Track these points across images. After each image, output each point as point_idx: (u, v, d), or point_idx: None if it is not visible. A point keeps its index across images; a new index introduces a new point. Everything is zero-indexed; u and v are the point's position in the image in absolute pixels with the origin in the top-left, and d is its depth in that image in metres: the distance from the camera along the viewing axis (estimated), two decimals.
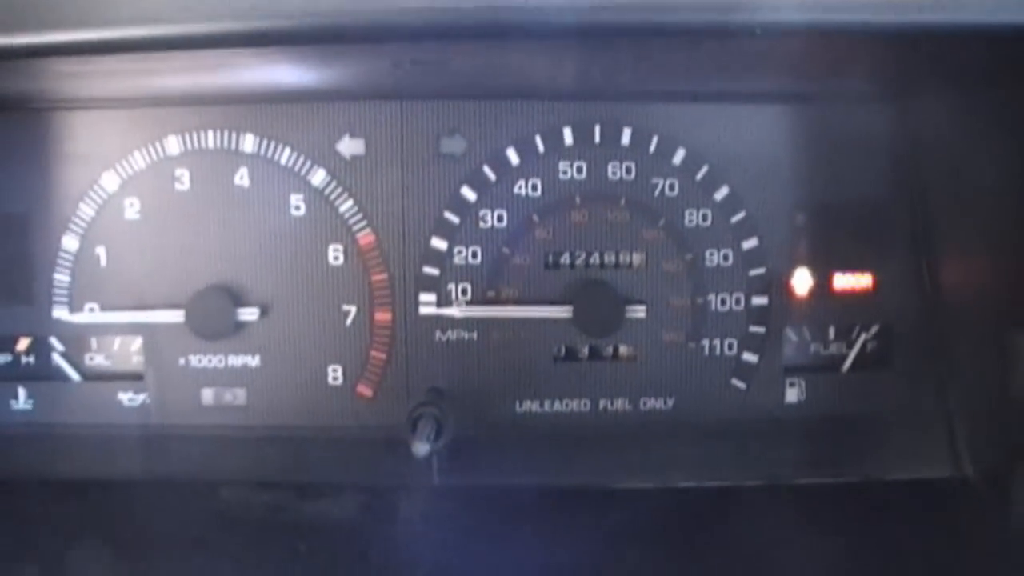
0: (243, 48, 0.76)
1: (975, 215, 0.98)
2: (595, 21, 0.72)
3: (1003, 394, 0.96)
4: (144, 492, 1.03)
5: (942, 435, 1.02)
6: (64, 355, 1.06)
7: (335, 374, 1.05)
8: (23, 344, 1.06)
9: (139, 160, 1.03)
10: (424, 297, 1.03)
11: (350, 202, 1.02)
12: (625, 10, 0.71)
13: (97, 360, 1.07)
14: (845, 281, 1.05)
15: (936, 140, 1.00)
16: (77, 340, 1.06)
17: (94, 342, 1.06)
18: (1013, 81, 0.88)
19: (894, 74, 0.98)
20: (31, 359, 1.06)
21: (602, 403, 1.05)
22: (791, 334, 1.06)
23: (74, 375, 1.06)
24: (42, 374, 1.06)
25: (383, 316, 1.03)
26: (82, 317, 1.04)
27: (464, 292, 1.03)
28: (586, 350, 1.05)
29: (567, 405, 1.05)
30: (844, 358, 1.06)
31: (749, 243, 1.03)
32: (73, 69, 0.85)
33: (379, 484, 1.01)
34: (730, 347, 1.05)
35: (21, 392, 1.07)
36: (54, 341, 1.06)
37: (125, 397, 1.06)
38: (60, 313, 1.04)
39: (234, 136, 1.02)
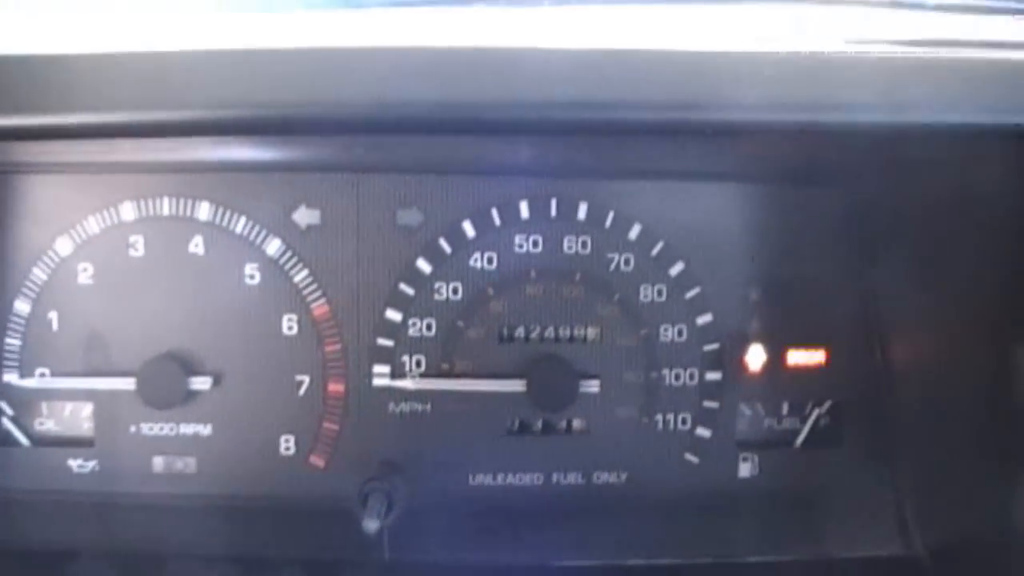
0: (200, 136, 0.77)
1: (924, 294, 0.99)
2: (551, 119, 0.73)
3: (951, 473, 0.97)
4: (92, 564, 1.02)
5: (893, 513, 1.02)
6: (14, 419, 1.05)
7: (287, 444, 1.04)
8: None
9: (93, 225, 1.02)
10: (378, 368, 1.03)
11: (305, 272, 1.02)
12: (584, 108, 0.72)
13: (47, 425, 1.06)
14: (799, 357, 1.05)
15: (882, 221, 1.01)
16: (27, 405, 1.05)
17: (44, 407, 1.05)
18: (948, 169, 0.90)
19: (838, 162, 0.99)
20: None
21: (555, 477, 1.05)
22: (745, 409, 1.06)
23: (23, 440, 1.05)
24: None
25: (336, 387, 1.03)
26: (32, 382, 1.03)
27: (418, 364, 1.03)
28: (540, 424, 1.05)
29: (520, 479, 1.05)
30: (797, 433, 1.07)
31: (703, 319, 1.04)
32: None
33: (329, 558, 1.00)
34: (684, 422, 1.05)
35: None
36: (3, 405, 1.05)
37: (75, 463, 1.05)
38: (10, 378, 1.03)
39: (189, 204, 1.01)
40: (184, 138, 0.95)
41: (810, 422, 1.06)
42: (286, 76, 0.72)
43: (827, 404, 1.07)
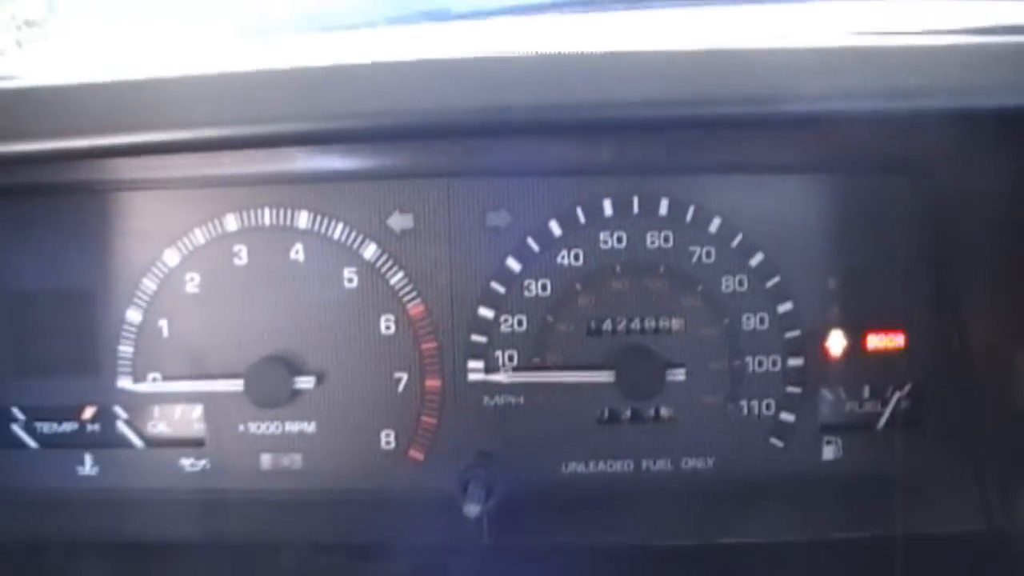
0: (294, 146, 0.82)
1: (999, 277, 1.02)
2: (637, 117, 0.77)
3: None
4: (205, 555, 1.08)
5: (973, 491, 1.05)
6: (128, 423, 1.11)
7: (387, 439, 1.09)
8: (88, 413, 1.12)
9: (199, 237, 1.08)
10: (472, 364, 1.08)
11: (400, 274, 1.07)
12: (665, 106, 0.77)
13: (159, 427, 1.12)
14: (878, 341, 1.08)
15: (954, 206, 1.03)
16: (140, 408, 1.11)
17: (156, 410, 1.11)
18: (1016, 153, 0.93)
19: (909, 150, 1.02)
20: (96, 427, 1.12)
21: (644, 463, 1.09)
22: (827, 393, 1.09)
23: (137, 442, 1.11)
24: (107, 441, 1.11)
25: (433, 383, 1.08)
26: (145, 387, 1.09)
27: (511, 359, 1.08)
28: (628, 413, 1.09)
29: (611, 466, 1.09)
30: (879, 416, 1.10)
31: (784, 307, 1.07)
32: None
33: (431, 545, 1.05)
34: (768, 407, 1.08)
35: (87, 458, 1.12)
36: (118, 410, 1.11)
37: (187, 463, 1.11)
38: (124, 383, 1.09)
39: (289, 213, 1.07)
40: (282, 150, 1.01)
41: (891, 405, 1.09)
42: (370, 88, 0.77)
43: (907, 387, 1.09)
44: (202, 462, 1.11)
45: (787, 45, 0.76)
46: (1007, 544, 1.03)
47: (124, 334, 1.09)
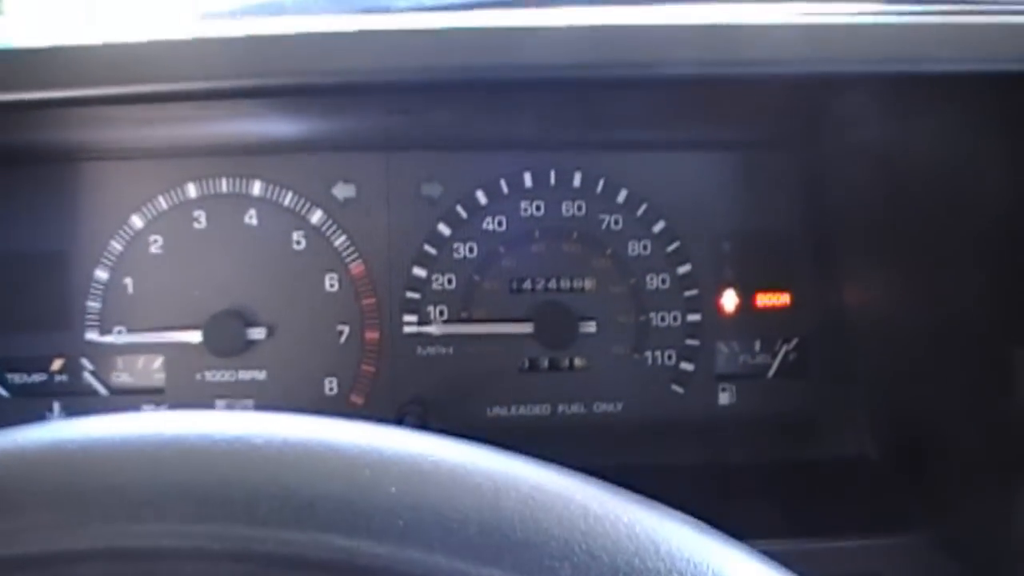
0: (239, 100, 0.90)
1: (874, 242, 1.17)
2: (546, 77, 0.88)
3: (900, 391, 1.14)
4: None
5: (852, 427, 1.19)
6: (94, 373, 1.22)
7: (331, 385, 1.21)
8: (57, 364, 1.22)
9: (162, 203, 1.20)
10: (407, 318, 1.21)
11: (343, 238, 1.20)
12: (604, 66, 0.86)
13: (123, 377, 1.23)
14: (766, 299, 1.23)
15: (833, 177, 1.19)
16: (105, 359, 1.22)
17: (120, 361, 1.22)
18: (891, 128, 1.08)
19: (797, 129, 1.17)
20: (64, 377, 1.22)
21: (560, 408, 1.22)
22: (722, 346, 1.23)
23: (103, 390, 1.22)
24: (74, 390, 1.22)
25: (372, 335, 1.21)
26: (111, 339, 1.20)
27: (441, 313, 1.21)
28: (546, 362, 1.22)
29: (530, 409, 1.22)
30: (769, 367, 1.24)
31: (683, 268, 1.21)
32: (104, 116, 1.00)
33: None
34: (669, 358, 1.22)
35: (56, 406, 1.22)
36: (85, 361, 1.22)
37: (148, 409, 1.22)
38: (91, 336, 1.21)
39: (244, 182, 1.19)
40: (237, 123, 1.12)
41: (780, 356, 1.24)
42: (307, 48, 0.81)
43: (794, 340, 1.24)
44: (162, 408, 1.22)
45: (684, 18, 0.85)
46: (877, 470, 1.17)
47: (92, 291, 1.20)
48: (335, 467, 0.41)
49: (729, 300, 1.22)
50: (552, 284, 1.21)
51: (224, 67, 0.84)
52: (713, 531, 0.42)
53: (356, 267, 1.20)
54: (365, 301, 1.21)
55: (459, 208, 1.20)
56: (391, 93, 0.91)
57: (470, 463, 0.44)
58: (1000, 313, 0.94)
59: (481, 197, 1.20)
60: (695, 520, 0.42)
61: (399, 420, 1.13)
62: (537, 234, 1.20)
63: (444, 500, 0.40)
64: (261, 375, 1.21)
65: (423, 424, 1.14)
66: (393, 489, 0.40)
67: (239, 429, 0.43)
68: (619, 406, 1.22)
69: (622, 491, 0.43)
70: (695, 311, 1.22)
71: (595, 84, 0.88)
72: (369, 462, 0.41)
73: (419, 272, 1.20)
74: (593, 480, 0.45)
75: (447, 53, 0.84)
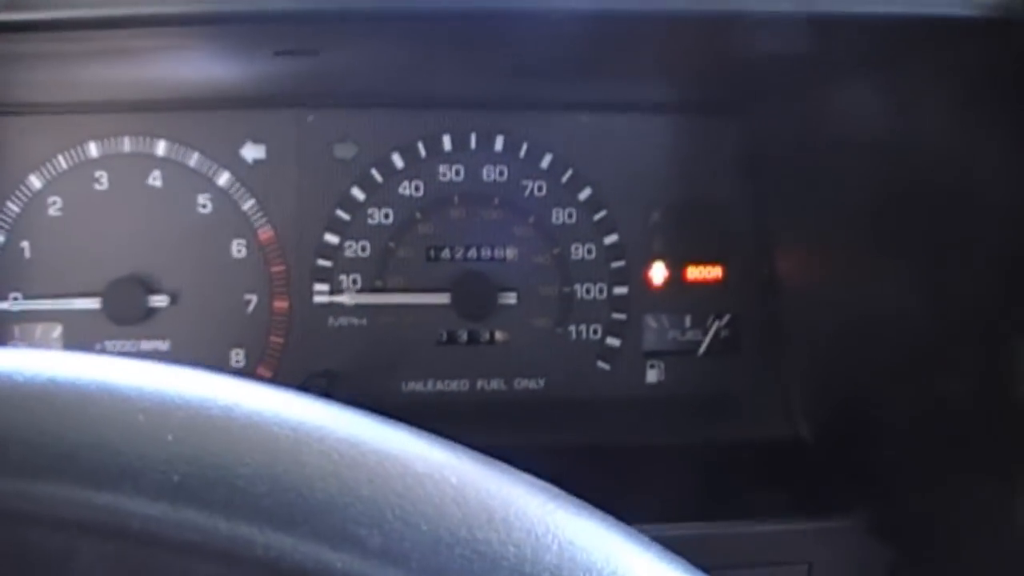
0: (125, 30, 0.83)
1: (809, 216, 1.11)
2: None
3: (831, 371, 1.08)
4: None
5: (782, 405, 1.14)
6: None
7: (237, 357, 1.15)
8: None
9: (62, 162, 1.13)
10: (318, 287, 1.14)
11: (252, 201, 1.14)
12: None
13: (20, 347, 1.16)
14: (697, 273, 1.17)
15: (770, 148, 1.13)
16: (1, 328, 1.16)
17: (16, 330, 1.16)
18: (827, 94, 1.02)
19: (733, 93, 1.11)
20: None
21: (479, 383, 1.16)
22: (650, 321, 1.18)
23: None
24: None
25: (281, 304, 1.14)
26: (6, 305, 1.14)
27: (354, 282, 1.15)
28: (465, 335, 1.16)
29: (448, 385, 1.16)
30: (699, 343, 1.18)
31: (610, 239, 1.15)
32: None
33: None
34: (594, 332, 1.16)
35: None
36: None
37: None
38: None
39: (148, 141, 1.13)
40: (141, 67, 1.05)
41: (711, 333, 1.18)
42: None
43: (726, 317, 1.18)
44: None
45: None
46: (806, 448, 1.12)
47: None
48: (105, 411, 0.35)
49: (658, 273, 1.16)
50: (471, 253, 1.15)
51: None
52: (571, 499, 0.36)
53: (264, 232, 1.14)
54: (274, 268, 1.14)
55: (374, 171, 1.14)
56: (297, 24, 0.84)
57: (269, 410, 0.38)
58: (937, 293, 0.89)
59: (397, 160, 1.14)
60: (552, 487, 0.36)
61: (302, 386, 1.07)
62: (456, 200, 1.14)
63: (229, 451, 0.33)
64: (164, 345, 1.15)
65: (329, 390, 1.08)
66: (170, 437, 0.33)
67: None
68: (541, 382, 1.17)
69: (462, 449, 0.37)
70: (622, 284, 1.16)
71: (503, 16, 0.82)
72: (145, 407, 0.36)
73: (331, 239, 1.14)
74: (429, 436, 0.39)
75: None
